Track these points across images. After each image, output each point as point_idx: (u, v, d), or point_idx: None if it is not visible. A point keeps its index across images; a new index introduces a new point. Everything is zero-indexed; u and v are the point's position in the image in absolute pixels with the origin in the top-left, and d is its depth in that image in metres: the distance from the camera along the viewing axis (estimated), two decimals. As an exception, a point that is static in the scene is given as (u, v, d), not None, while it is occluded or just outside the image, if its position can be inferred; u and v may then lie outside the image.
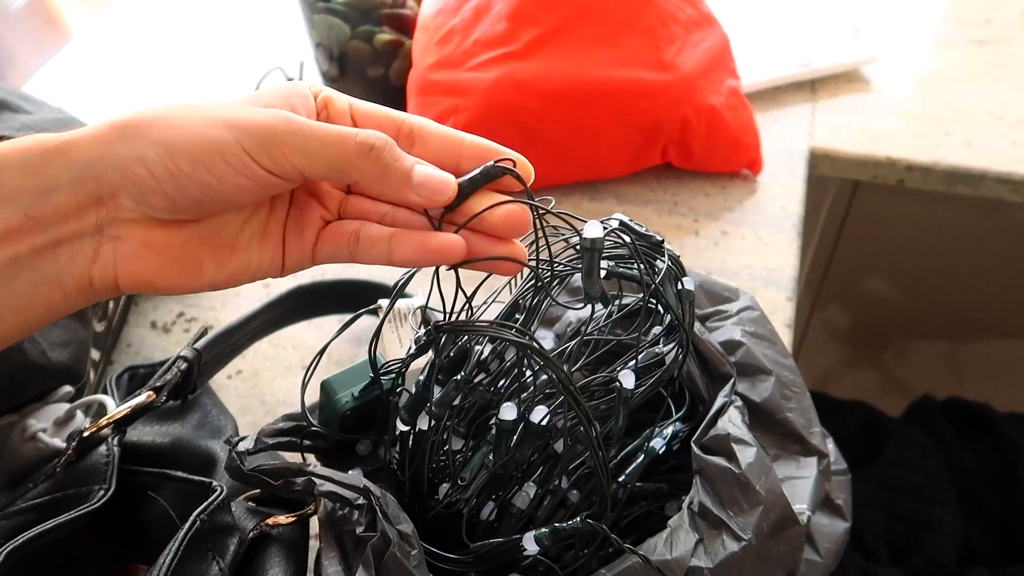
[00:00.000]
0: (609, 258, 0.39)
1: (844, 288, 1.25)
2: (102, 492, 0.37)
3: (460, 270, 0.34)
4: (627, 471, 0.38)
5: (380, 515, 0.33)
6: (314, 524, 0.37)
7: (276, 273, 0.34)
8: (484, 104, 0.68)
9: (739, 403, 0.40)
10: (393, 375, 0.39)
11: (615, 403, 0.36)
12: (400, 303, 0.56)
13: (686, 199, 0.73)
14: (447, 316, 0.36)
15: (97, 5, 1.05)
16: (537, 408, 0.35)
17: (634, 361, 0.38)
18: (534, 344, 0.33)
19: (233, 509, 0.37)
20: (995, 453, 0.96)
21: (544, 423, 0.35)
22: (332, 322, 0.63)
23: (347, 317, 0.40)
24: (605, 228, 0.35)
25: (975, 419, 1.00)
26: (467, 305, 0.37)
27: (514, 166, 0.33)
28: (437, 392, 0.37)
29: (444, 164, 0.34)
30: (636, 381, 0.36)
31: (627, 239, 0.36)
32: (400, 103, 0.75)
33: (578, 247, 0.35)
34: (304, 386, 0.38)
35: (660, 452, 0.40)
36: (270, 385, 0.60)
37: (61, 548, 0.36)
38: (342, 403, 0.40)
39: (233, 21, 1.02)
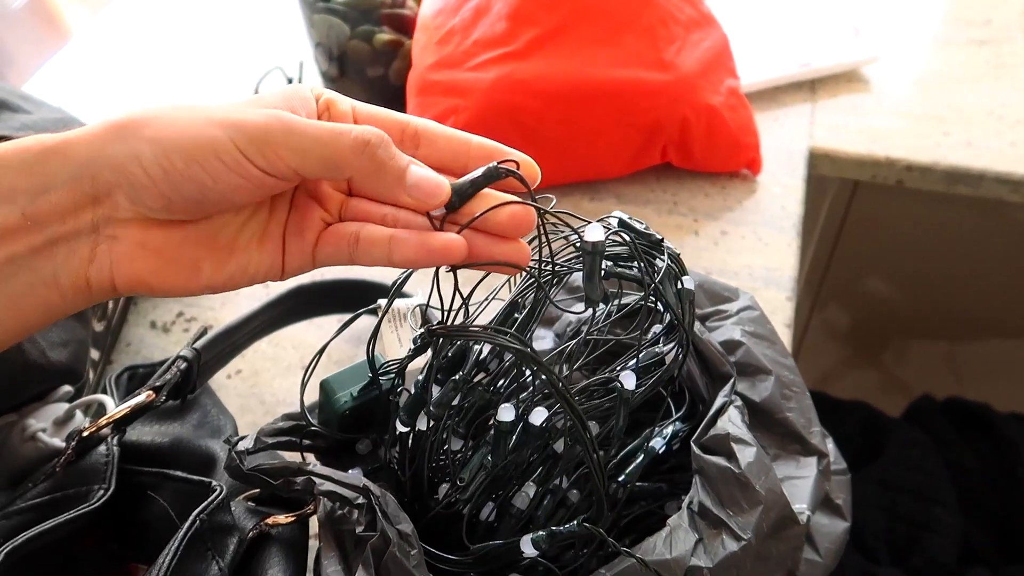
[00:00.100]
0: (608, 257, 0.39)
1: (844, 288, 1.25)
2: (102, 492, 0.37)
3: (460, 269, 0.34)
4: (627, 471, 0.38)
5: (380, 515, 0.33)
6: (314, 524, 0.37)
7: (276, 276, 0.34)
8: (484, 104, 0.68)
9: (739, 403, 0.40)
10: (392, 375, 0.39)
11: (616, 403, 0.36)
12: (399, 303, 0.56)
13: (686, 199, 0.73)
14: (444, 317, 0.36)
15: (97, 5, 1.05)
16: (537, 410, 0.35)
17: (634, 361, 0.38)
18: (527, 351, 0.33)
19: (233, 509, 0.37)
20: (995, 453, 0.96)
21: (544, 425, 0.35)
22: (332, 322, 0.63)
23: (347, 317, 0.40)
24: (606, 229, 0.35)
25: (975, 419, 1.00)
26: (464, 306, 0.36)
27: (518, 167, 0.33)
28: (436, 392, 0.37)
29: (452, 166, 0.33)
30: (636, 381, 0.36)
31: (627, 238, 0.36)
32: (400, 103, 0.75)
33: (579, 248, 0.35)
34: (303, 386, 0.38)
35: (660, 452, 0.40)
36: (270, 385, 0.60)
37: (61, 548, 0.36)
38: (341, 403, 0.40)
39: (233, 21, 1.02)
